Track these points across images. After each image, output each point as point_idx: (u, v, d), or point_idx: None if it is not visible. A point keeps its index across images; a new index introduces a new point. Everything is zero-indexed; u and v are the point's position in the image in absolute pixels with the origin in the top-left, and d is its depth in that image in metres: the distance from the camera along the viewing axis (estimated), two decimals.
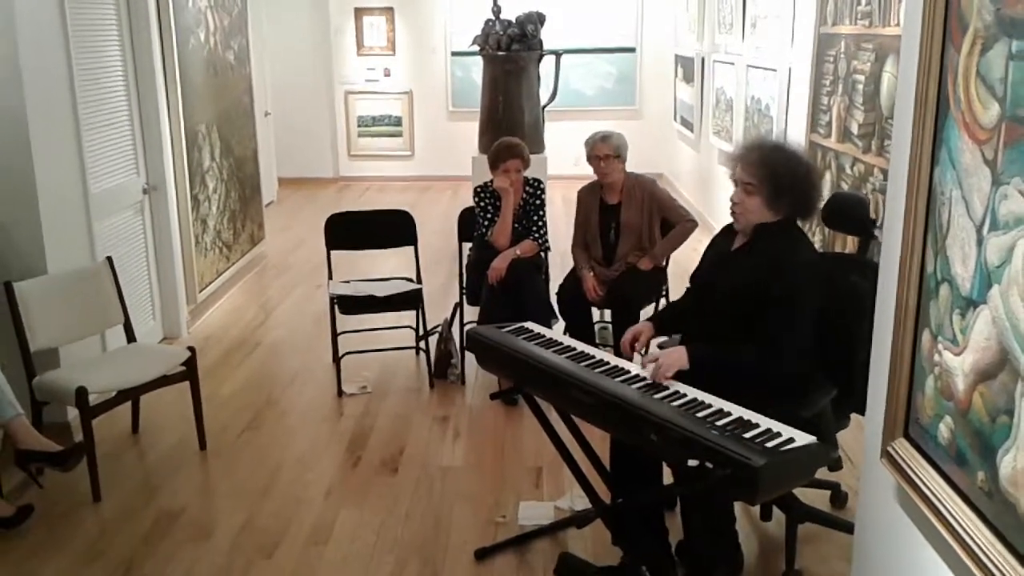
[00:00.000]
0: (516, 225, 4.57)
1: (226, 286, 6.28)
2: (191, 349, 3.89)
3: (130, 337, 4.05)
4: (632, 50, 10.54)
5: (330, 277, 4.87)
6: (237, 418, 4.28)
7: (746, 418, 2.35)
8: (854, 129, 4.45)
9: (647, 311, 4.56)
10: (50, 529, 3.31)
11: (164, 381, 3.77)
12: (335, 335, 4.69)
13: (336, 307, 4.62)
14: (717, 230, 3.07)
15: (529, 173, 4.67)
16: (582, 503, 3.20)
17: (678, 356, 2.60)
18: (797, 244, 2.75)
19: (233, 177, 6.50)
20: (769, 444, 2.20)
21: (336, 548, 3.19)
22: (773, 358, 2.59)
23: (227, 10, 6.47)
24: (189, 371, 3.84)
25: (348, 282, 4.84)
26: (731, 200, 2.78)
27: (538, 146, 6.90)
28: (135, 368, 3.74)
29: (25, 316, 3.59)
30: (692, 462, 2.22)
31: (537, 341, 2.93)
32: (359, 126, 10.88)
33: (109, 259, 4.04)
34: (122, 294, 4.02)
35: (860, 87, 4.36)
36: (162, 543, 3.23)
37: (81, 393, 3.41)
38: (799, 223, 2.79)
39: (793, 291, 2.59)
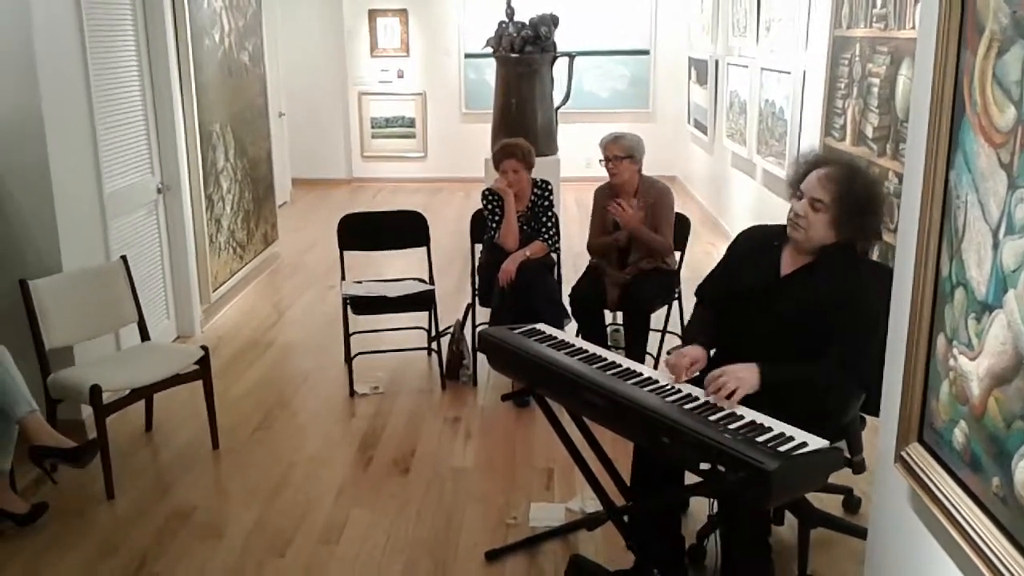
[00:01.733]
0: (525, 227, 4.58)
1: (239, 286, 6.30)
2: (204, 348, 3.91)
3: (144, 336, 4.07)
4: (646, 52, 10.54)
5: (343, 278, 4.88)
6: (250, 417, 4.30)
7: (759, 422, 2.35)
8: (869, 132, 4.44)
9: (660, 314, 4.57)
10: (64, 525, 3.33)
11: (177, 380, 3.79)
12: (347, 335, 4.71)
13: (349, 307, 4.63)
14: (730, 233, 3.05)
15: (541, 174, 4.67)
16: (593, 505, 3.20)
17: (748, 377, 2.50)
18: (864, 266, 2.74)
19: (247, 177, 6.53)
20: (782, 448, 2.19)
21: (347, 548, 3.20)
22: (851, 378, 2.57)
23: (242, 11, 6.50)
24: (202, 370, 3.86)
25: (361, 283, 4.86)
26: (793, 212, 2.69)
27: (551, 148, 6.91)
28: (149, 367, 3.76)
29: (40, 314, 3.61)
30: (704, 466, 2.22)
31: (549, 343, 2.93)
32: (372, 127, 10.92)
33: (124, 258, 4.06)
34: (136, 293, 4.04)
35: (875, 90, 4.34)
36: (175, 541, 3.24)
37: (95, 391, 3.43)
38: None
39: (875, 314, 2.49)
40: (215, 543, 3.23)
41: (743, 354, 2.60)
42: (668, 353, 3.04)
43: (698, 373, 2.67)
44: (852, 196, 2.63)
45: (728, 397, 2.43)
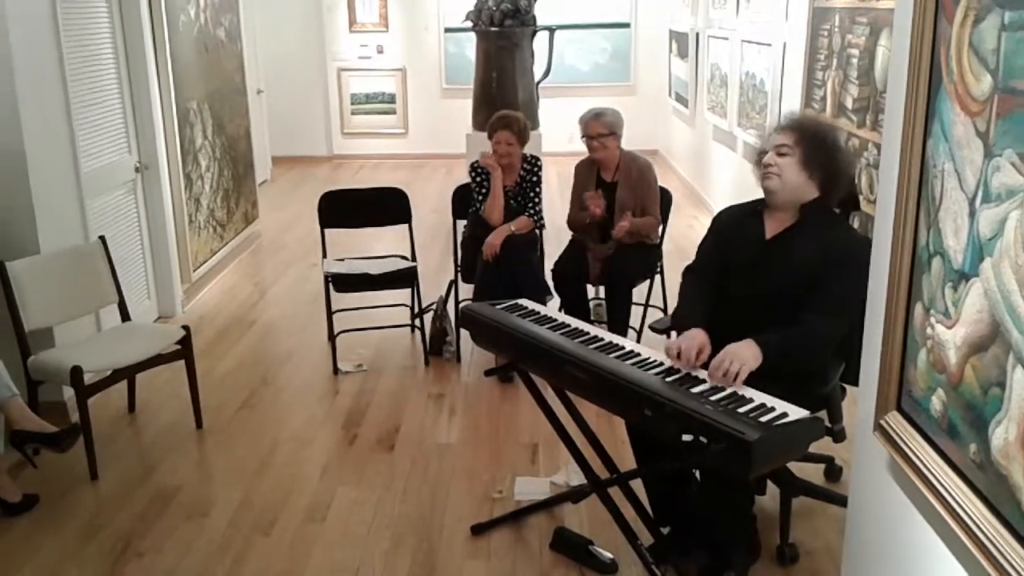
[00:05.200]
0: (512, 202, 4.56)
1: (220, 265, 6.27)
2: (186, 328, 3.89)
3: (124, 316, 4.04)
4: (627, 25, 10.48)
5: (324, 256, 4.86)
6: (233, 396, 4.29)
7: (740, 393, 2.37)
8: (848, 104, 4.44)
9: (642, 288, 4.58)
10: (48, 508, 3.32)
11: (159, 360, 3.77)
12: (330, 313, 4.69)
13: (331, 285, 4.61)
14: (712, 206, 3.06)
15: (524, 149, 4.65)
16: (577, 478, 3.22)
17: (751, 355, 2.47)
18: (846, 227, 2.81)
19: (226, 155, 6.47)
20: (763, 419, 2.21)
21: (333, 525, 3.21)
22: (840, 326, 2.59)
23: None
24: (184, 350, 3.84)
25: (343, 260, 4.84)
26: (764, 164, 2.73)
27: (532, 123, 6.87)
28: (130, 347, 3.74)
29: (18, 295, 3.58)
30: (686, 437, 2.23)
31: (531, 318, 2.93)
32: (352, 104, 10.83)
33: (102, 238, 4.02)
34: (116, 273, 4.01)
35: (855, 61, 4.34)
36: (160, 520, 3.24)
37: (76, 372, 3.41)
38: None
39: (861, 259, 2.47)
40: (200, 522, 3.23)
41: (737, 325, 2.60)
42: (666, 336, 3.04)
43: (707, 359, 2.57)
44: (811, 132, 2.72)
45: (734, 379, 2.42)
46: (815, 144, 2.71)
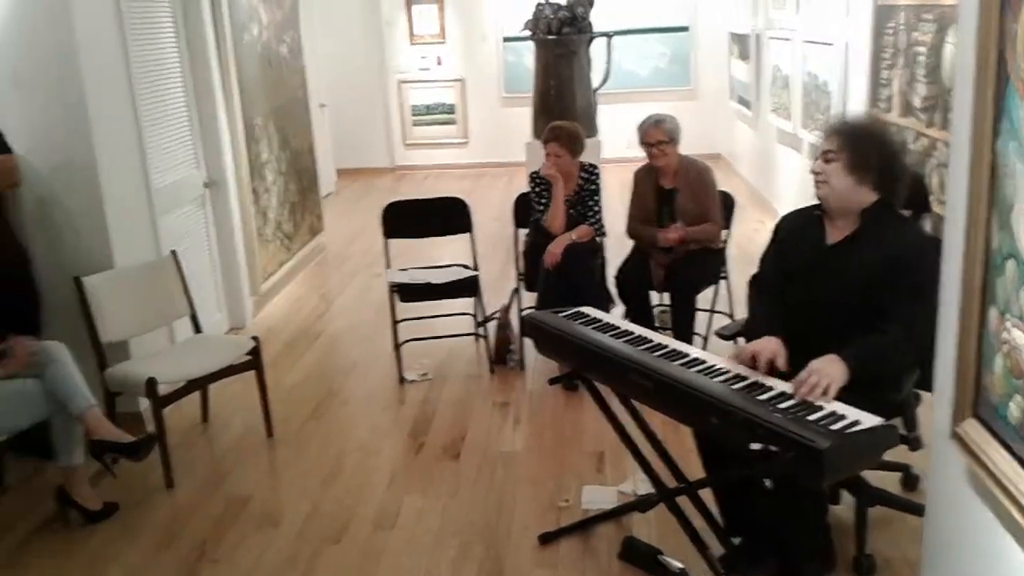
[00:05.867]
0: (571, 211, 4.56)
1: (287, 277, 6.39)
2: (255, 339, 3.97)
3: (196, 328, 4.15)
4: (685, 29, 10.40)
5: (388, 266, 4.92)
6: (302, 406, 4.36)
7: (810, 400, 2.32)
8: (916, 103, 4.34)
9: (707, 294, 4.53)
10: (126, 515, 3.42)
11: (231, 371, 3.85)
12: (395, 323, 4.74)
13: (395, 295, 4.66)
14: (778, 209, 3.01)
15: (582, 157, 4.65)
16: (645, 487, 3.19)
17: (839, 371, 2.39)
18: (910, 228, 2.72)
19: (291, 169, 6.60)
20: (834, 426, 2.17)
21: (401, 533, 3.24)
22: (918, 337, 2.48)
23: (278, 3, 6.55)
24: (254, 360, 3.92)
25: (406, 270, 4.89)
26: (812, 172, 2.69)
27: (591, 130, 6.86)
28: (202, 358, 3.83)
29: (95, 310, 3.70)
30: (755, 445, 2.20)
31: (595, 326, 2.92)
32: (413, 115, 10.95)
33: (173, 252, 4.14)
34: (187, 286, 4.12)
35: (921, 59, 4.24)
36: (232, 529, 3.31)
37: (151, 383, 3.50)
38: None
39: (932, 267, 2.41)
40: (271, 531, 3.29)
41: (804, 335, 2.55)
42: (733, 342, 3.00)
43: (784, 369, 2.52)
44: (856, 135, 2.63)
45: (823, 394, 2.35)
46: (862, 146, 2.62)
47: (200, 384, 3.85)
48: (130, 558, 3.16)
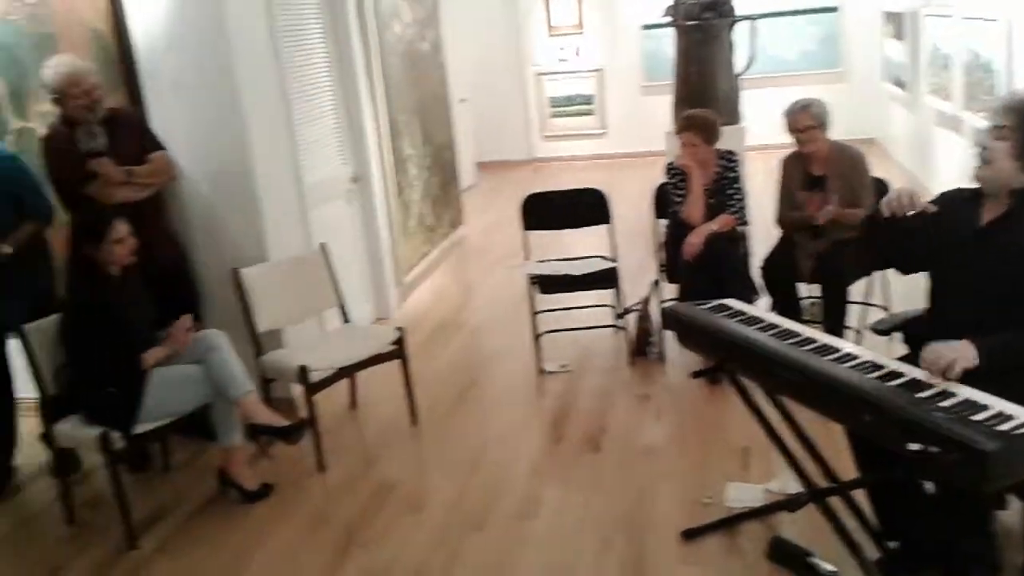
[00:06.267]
0: (711, 200, 4.45)
1: (429, 268, 6.53)
2: (400, 329, 4.07)
3: (345, 318, 4.29)
4: (834, 10, 9.97)
5: (527, 257, 4.95)
6: (444, 395, 4.45)
7: (973, 399, 2.18)
8: None
9: (858, 286, 4.33)
10: (281, 497, 3.58)
11: (378, 359, 3.97)
12: (534, 314, 4.77)
13: (535, 287, 4.69)
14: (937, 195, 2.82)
15: (725, 144, 4.53)
16: (794, 486, 3.09)
17: (965, 352, 2.29)
18: None
19: (434, 164, 6.73)
20: (1001, 427, 2.03)
21: (543, 523, 3.26)
22: None
23: (421, 1, 6.68)
24: (400, 349, 4.03)
25: (545, 262, 4.90)
26: (977, 146, 2.54)
27: (734, 117, 6.68)
28: (351, 347, 3.96)
29: (251, 300, 3.89)
30: (913, 446, 2.08)
31: (739, 319, 2.84)
32: (551, 107, 10.96)
33: (323, 245, 4.29)
34: (336, 278, 4.27)
35: None
36: (380, 514, 3.42)
37: (303, 371, 3.65)
38: None
39: None
40: (417, 516, 3.38)
41: (950, 318, 2.43)
42: (887, 336, 2.88)
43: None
44: None
45: (945, 372, 2.25)
46: None
47: (348, 372, 3.98)
48: (283, 537, 3.31)
